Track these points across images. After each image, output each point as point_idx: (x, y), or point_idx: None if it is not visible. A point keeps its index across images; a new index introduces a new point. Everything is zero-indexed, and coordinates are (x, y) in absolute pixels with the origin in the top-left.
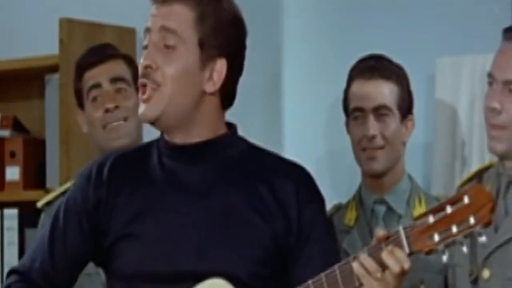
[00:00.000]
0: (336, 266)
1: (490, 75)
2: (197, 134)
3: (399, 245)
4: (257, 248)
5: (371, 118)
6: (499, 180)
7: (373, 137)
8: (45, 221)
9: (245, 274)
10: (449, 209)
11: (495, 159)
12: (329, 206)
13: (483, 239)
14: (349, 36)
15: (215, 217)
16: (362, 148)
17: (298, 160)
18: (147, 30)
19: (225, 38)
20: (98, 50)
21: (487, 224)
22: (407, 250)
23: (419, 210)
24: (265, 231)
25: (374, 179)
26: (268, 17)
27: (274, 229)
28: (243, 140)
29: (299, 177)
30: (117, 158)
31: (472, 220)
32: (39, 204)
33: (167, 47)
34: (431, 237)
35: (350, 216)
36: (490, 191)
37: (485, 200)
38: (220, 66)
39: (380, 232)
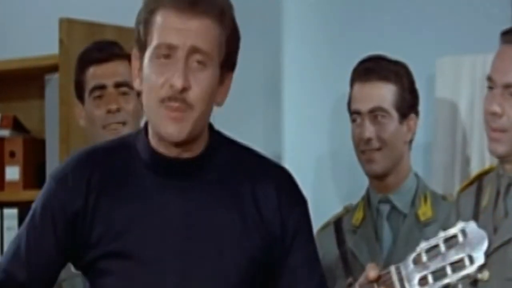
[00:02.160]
0: None
1: (489, 79)
2: (193, 148)
3: (391, 286)
4: (243, 270)
5: (367, 121)
6: (499, 182)
7: (368, 140)
8: None
9: None
10: (443, 248)
11: (495, 160)
12: (329, 207)
13: (479, 276)
14: (348, 36)
15: (199, 240)
16: (361, 151)
17: (298, 160)
18: (169, 46)
19: (236, 54)
20: (105, 47)
21: (482, 266)
22: None
23: (423, 208)
24: (250, 251)
25: (378, 180)
26: (268, 17)
27: (259, 247)
28: (221, 138)
29: (280, 181)
30: (96, 162)
31: (467, 262)
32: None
33: (198, 62)
34: (425, 278)
35: (357, 216)
36: (483, 231)
37: (479, 239)
38: (229, 79)
39: (371, 272)
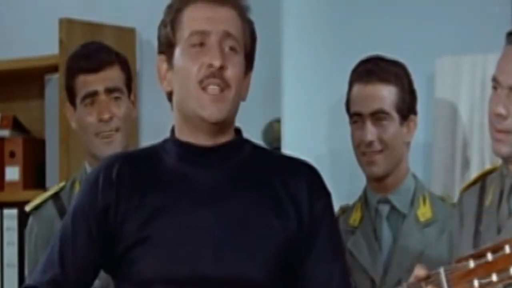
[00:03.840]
0: None
1: (494, 80)
2: (223, 137)
3: (439, 286)
4: (274, 250)
5: (369, 123)
6: (503, 182)
7: (370, 143)
8: (33, 225)
9: (263, 277)
10: (490, 256)
11: (495, 159)
12: None
13: None
14: (348, 36)
15: (231, 219)
16: (362, 153)
17: None
18: (202, 33)
19: (254, 53)
20: (93, 54)
21: None
22: None
23: (423, 209)
24: (280, 232)
25: (377, 181)
26: (268, 17)
27: (289, 228)
28: (248, 142)
29: (309, 173)
30: (125, 161)
31: None
32: (28, 208)
33: (231, 48)
34: (471, 282)
35: (355, 217)
36: None
37: None
38: (249, 78)
39: (420, 271)
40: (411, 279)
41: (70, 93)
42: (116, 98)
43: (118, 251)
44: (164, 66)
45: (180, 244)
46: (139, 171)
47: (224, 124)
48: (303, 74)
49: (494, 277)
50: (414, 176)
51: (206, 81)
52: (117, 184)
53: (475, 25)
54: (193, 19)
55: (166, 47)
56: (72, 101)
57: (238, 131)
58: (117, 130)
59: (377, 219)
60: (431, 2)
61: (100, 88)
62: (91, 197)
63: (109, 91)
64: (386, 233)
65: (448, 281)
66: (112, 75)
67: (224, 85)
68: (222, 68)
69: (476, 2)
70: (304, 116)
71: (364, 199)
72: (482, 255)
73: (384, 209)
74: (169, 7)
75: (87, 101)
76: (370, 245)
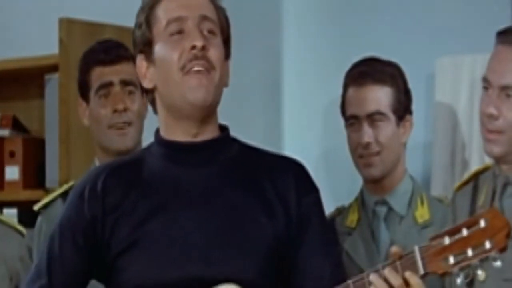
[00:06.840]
0: (350, 282)
1: (485, 80)
2: (209, 131)
3: (414, 265)
4: (263, 249)
5: (365, 125)
6: (495, 182)
7: (367, 144)
8: (41, 224)
9: (253, 277)
10: (465, 232)
11: (492, 160)
12: (329, 206)
13: (498, 263)
14: (348, 36)
15: (219, 220)
16: (359, 155)
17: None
18: (178, 19)
19: (230, 40)
20: (111, 49)
21: (502, 250)
22: (421, 270)
23: (421, 210)
24: (269, 230)
25: (374, 183)
26: (268, 17)
27: (278, 226)
28: (235, 140)
29: (296, 169)
30: (111, 171)
31: (488, 245)
32: (36, 207)
33: (209, 31)
34: (446, 259)
35: (352, 218)
36: (505, 217)
37: (501, 224)
38: (228, 65)
39: (393, 248)
40: (389, 259)
41: (84, 87)
42: (131, 92)
43: (108, 260)
44: (144, 64)
45: (169, 247)
46: (126, 179)
47: (210, 110)
48: (303, 74)
49: (470, 252)
50: (411, 177)
51: (189, 64)
52: (103, 195)
53: (475, 25)
54: (168, 9)
55: (144, 45)
56: (85, 96)
57: (224, 129)
58: (129, 124)
59: (375, 221)
60: (431, 2)
61: (116, 79)
62: (78, 209)
63: (124, 83)
64: (383, 234)
65: (423, 258)
66: (128, 69)
67: (209, 66)
68: (204, 48)
69: (476, 2)
70: (304, 116)
71: (361, 201)
72: (457, 231)
73: (382, 210)
74: (141, 8)
75: (101, 93)
76: (367, 246)
